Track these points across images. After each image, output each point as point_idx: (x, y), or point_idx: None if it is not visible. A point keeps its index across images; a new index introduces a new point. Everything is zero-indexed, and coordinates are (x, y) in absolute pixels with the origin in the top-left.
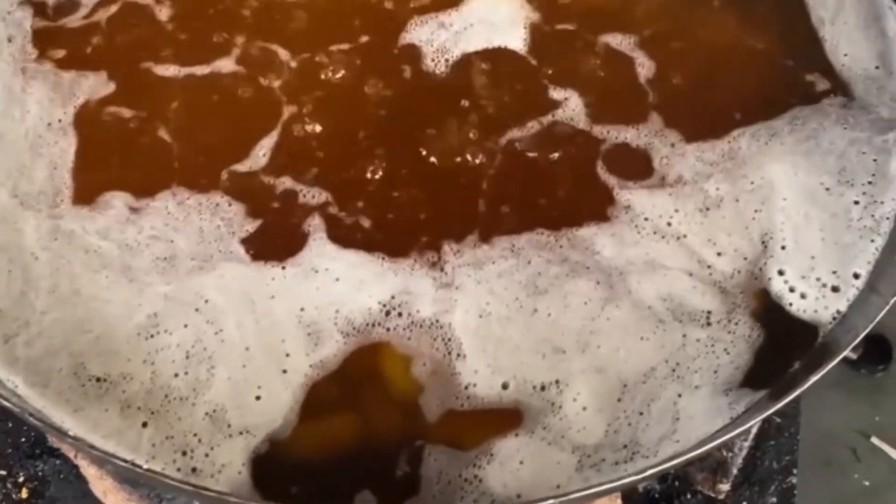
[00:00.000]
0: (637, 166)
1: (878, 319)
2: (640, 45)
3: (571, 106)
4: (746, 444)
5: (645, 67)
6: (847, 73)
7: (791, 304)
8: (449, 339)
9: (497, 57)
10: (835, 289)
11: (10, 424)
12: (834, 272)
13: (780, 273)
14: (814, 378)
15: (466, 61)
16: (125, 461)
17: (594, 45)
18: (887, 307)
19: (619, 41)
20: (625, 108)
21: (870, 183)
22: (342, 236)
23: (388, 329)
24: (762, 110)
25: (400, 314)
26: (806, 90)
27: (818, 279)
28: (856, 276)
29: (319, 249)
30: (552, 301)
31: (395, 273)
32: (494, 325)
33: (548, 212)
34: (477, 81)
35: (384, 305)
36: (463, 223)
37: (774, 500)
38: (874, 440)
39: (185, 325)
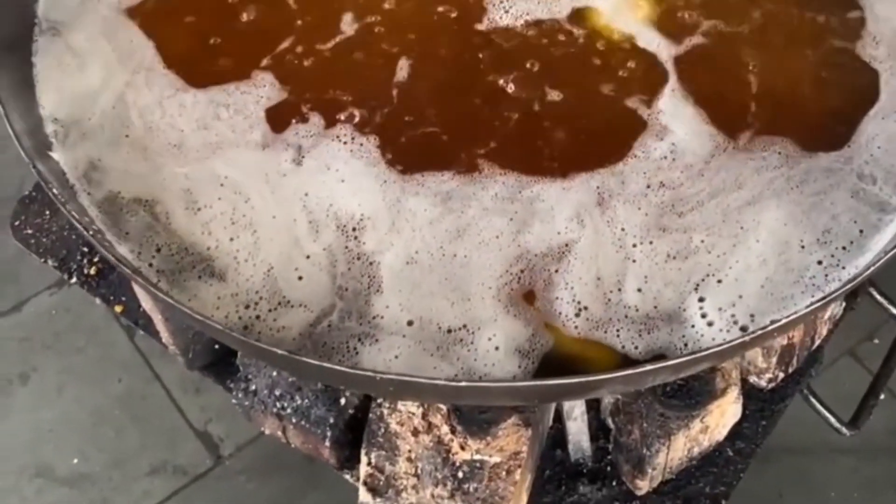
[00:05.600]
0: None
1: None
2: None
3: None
4: (665, 446)
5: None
6: (873, 162)
7: (693, 326)
8: (373, 277)
9: None
10: (743, 329)
11: None
12: (751, 315)
13: (700, 300)
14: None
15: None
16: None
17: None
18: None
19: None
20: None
21: (844, 248)
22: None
23: (346, 248)
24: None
25: (356, 237)
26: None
27: (732, 315)
28: (773, 321)
29: (336, 151)
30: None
31: (384, 196)
32: (417, 272)
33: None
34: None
35: (360, 219)
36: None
37: None
38: None
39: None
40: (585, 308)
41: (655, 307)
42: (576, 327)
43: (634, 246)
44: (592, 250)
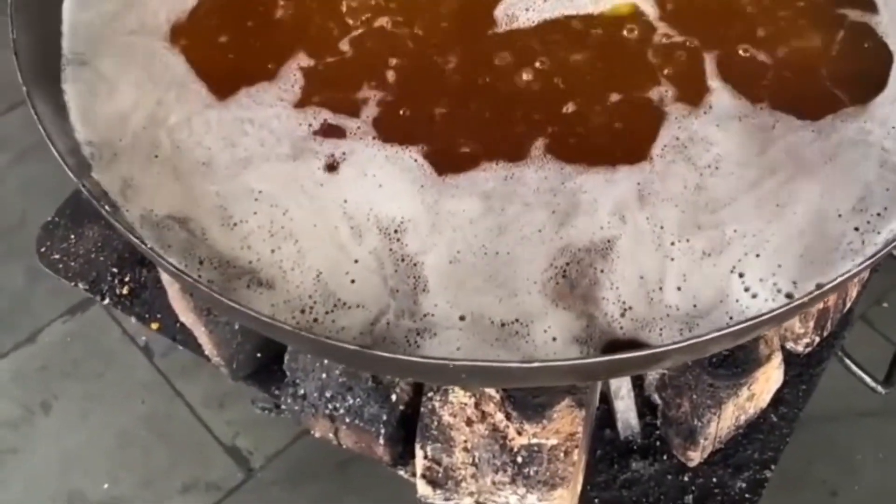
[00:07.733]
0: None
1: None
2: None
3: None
4: (715, 415)
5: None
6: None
7: (738, 301)
8: (418, 277)
9: None
10: (788, 296)
11: None
12: (794, 282)
13: (740, 276)
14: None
15: None
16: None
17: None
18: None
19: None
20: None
21: (878, 214)
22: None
23: (390, 250)
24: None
25: (399, 239)
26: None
27: (775, 284)
28: (819, 286)
29: (372, 155)
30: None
31: (422, 199)
32: (461, 270)
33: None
34: None
35: (401, 222)
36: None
37: (743, 485)
38: None
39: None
40: (630, 308)
41: (695, 305)
42: (621, 328)
43: (673, 244)
44: (633, 247)
